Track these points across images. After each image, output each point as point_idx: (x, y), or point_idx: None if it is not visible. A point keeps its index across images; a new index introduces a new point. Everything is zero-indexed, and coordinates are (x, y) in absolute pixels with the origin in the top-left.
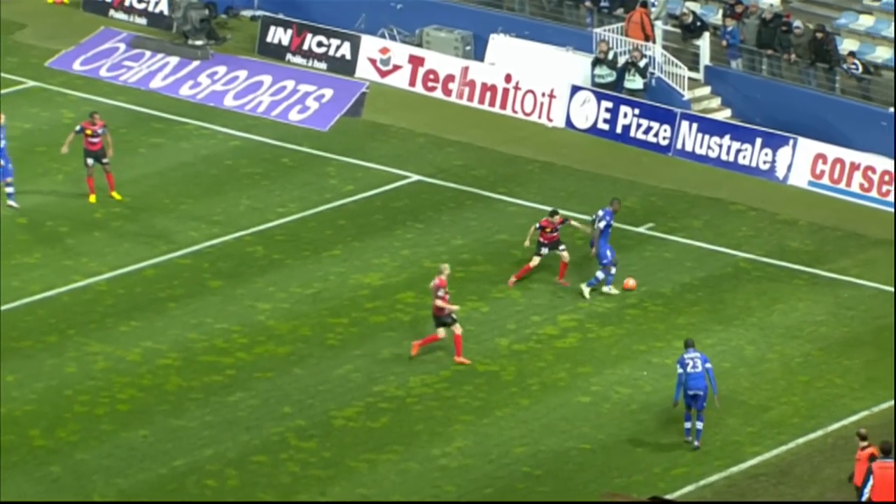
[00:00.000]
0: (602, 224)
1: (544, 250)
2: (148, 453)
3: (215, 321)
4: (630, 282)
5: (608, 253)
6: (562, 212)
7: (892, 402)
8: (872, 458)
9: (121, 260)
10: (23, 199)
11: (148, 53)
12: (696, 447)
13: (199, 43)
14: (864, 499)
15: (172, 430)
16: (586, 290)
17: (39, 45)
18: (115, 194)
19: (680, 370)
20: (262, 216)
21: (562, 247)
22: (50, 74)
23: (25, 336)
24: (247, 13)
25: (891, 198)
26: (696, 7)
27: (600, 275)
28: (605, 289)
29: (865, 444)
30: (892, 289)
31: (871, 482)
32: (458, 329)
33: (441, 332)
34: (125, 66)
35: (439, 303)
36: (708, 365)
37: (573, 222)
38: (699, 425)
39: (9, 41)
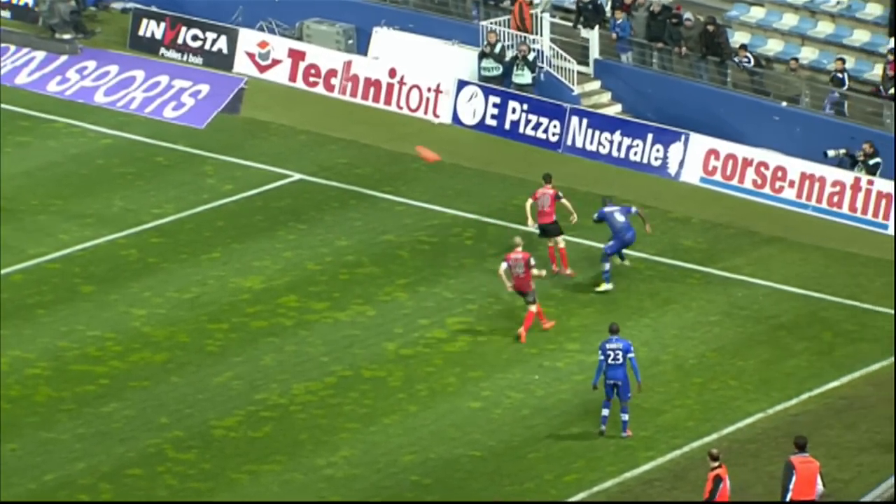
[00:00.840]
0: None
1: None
2: (16, 467)
3: (87, 328)
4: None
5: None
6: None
7: (788, 405)
8: (718, 479)
9: None
10: None
11: (12, 48)
12: (624, 437)
13: (66, 37)
14: (788, 497)
15: (42, 442)
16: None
17: None
18: None
19: (601, 357)
20: (137, 218)
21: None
22: None
23: None
24: (117, 5)
25: (784, 194)
26: None
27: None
28: (603, 286)
29: (716, 464)
30: (787, 287)
31: (794, 478)
32: (532, 306)
33: (534, 307)
34: None
35: (535, 272)
36: (631, 355)
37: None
38: (624, 416)
39: None
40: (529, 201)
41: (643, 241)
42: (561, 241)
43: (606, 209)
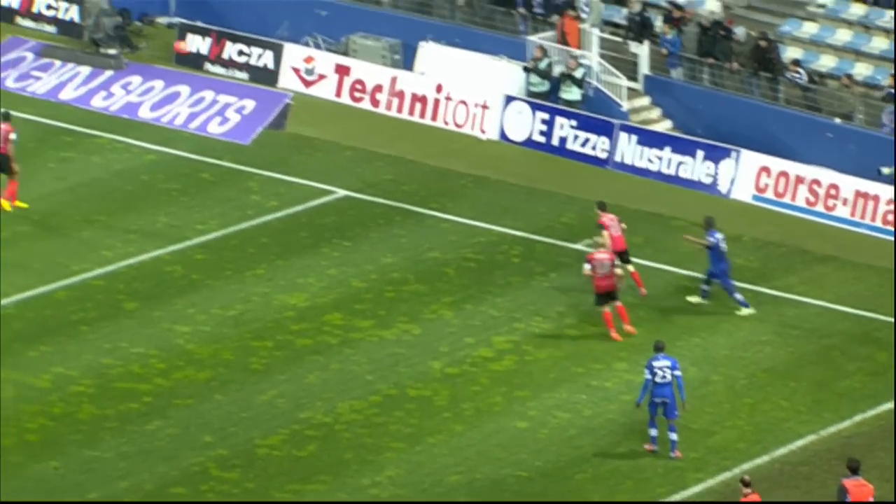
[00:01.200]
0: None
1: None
2: (60, 486)
3: (131, 345)
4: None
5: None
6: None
7: (841, 426)
8: None
9: (30, 281)
10: None
11: (57, 63)
12: (673, 457)
13: (111, 52)
14: None
15: (86, 461)
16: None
17: None
18: (17, 203)
19: (648, 376)
20: (181, 234)
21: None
22: None
23: None
24: (163, 20)
25: (837, 212)
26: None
27: (739, 296)
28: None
29: (749, 490)
30: (840, 307)
31: (847, 502)
32: (618, 302)
33: (608, 309)
34: (33, 77)
35: (619, 271)
36: (677, 372)
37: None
38: (673, 436)
39: None
40: (605, 233)
41: (694, 260)
42: (630, 265)
43: (719, 235)
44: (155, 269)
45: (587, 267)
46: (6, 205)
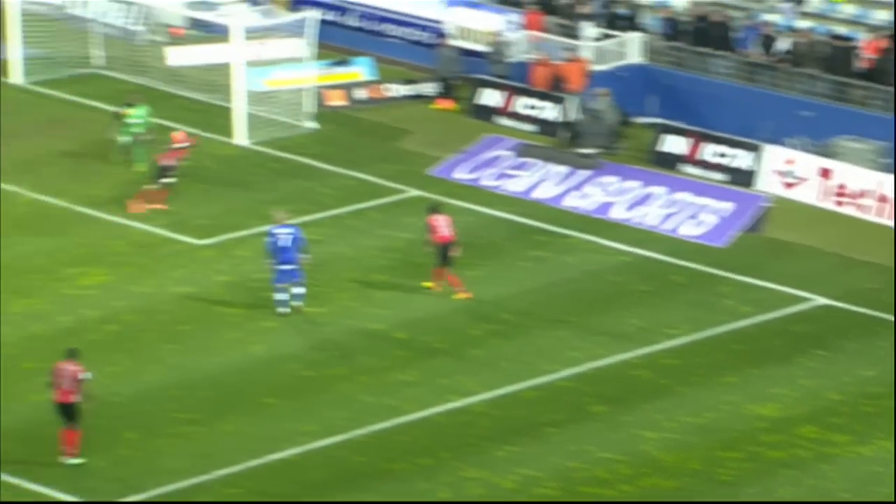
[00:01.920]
0: None
1: None
2: None
3: (597, 449)
4: None
5: None
6: None
7: None
8: None
9: (499, 380)
10: (401, 313)
11: (533, 162)
12: None
13: (588, 151)
14: None
15: None
16: None
17: (423, 152)
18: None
19: None
20: (650, 337)
21: None
22: (431, 183)
23: (398, 457)
24: (643, 120)
25: None
26: None
27: None
28: None
29: None
30: None
31: None
32: None
33: None
34: (508, 175)
35: None
36: None
37: None
38: None
39: (393, 148)
40: None
41: None
42: None
43: None
44: (622, 373)
45: None
46: (463, 295)
